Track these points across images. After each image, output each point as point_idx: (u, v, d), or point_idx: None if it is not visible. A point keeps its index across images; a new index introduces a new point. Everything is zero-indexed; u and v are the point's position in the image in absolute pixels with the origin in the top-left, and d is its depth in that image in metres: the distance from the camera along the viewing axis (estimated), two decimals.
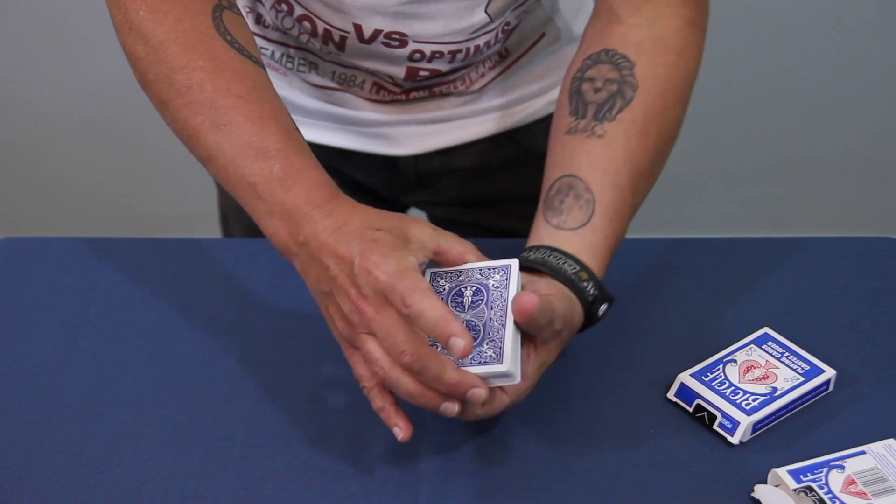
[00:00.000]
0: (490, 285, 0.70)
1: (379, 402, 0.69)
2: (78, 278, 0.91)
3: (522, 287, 0.71)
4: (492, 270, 0.70)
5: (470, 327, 0.68)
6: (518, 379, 0.68)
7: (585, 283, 0.72)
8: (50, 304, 0.89)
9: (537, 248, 0.75)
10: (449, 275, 0.71)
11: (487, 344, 0.67)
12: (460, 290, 0.70)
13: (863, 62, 1.88)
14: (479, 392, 0.66)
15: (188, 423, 0.78)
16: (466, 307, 0.69)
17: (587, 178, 0.76)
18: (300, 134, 0.75)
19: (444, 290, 0.71)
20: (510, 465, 0.74)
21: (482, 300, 0.69)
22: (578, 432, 0.77)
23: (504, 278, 0.70)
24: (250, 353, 0.84)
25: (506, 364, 0.66)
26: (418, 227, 0.70)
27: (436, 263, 0.72)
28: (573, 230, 0.75)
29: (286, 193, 0.71)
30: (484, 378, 0.66)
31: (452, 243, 0.72)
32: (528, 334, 0.70)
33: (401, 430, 0.69)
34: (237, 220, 1.14)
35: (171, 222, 2.01)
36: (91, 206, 2.07)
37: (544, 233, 0.76)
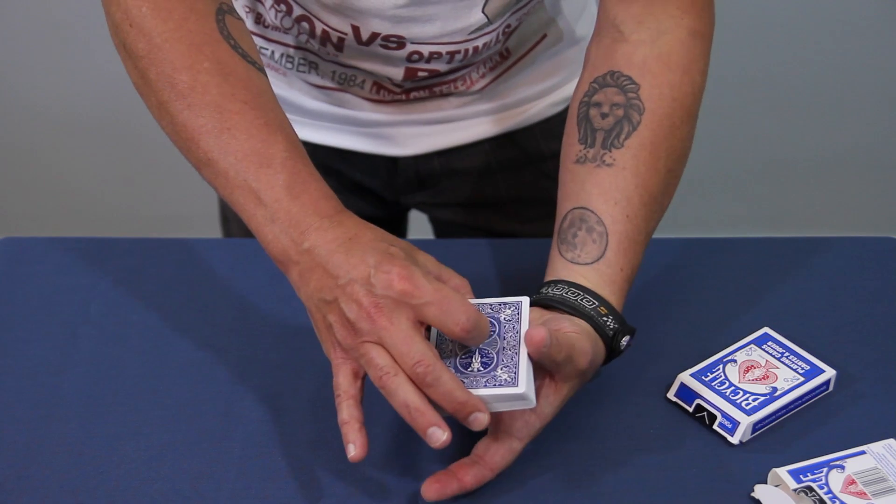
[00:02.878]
0: (502, 318, 0.71)
1: (347, 414, 0.67)
2: (78, 278, 0.91)
3: (545, 324, 0.72)
4: (503, 306, 0.72)
5: (483, 355, 0.69)
6: (534, 403, 0.68)
7: (605, 318, 0.73)
8: (50, 304, 0.89)
9: (555, 283, 0.75)
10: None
11: (502, 369, 0.68)
12: None
13: (862, 63, 1.88)
14: (483, 417, 0.65)
15: (188, 423, 0.78)
16: None
17: (598, 210, 0.76)
18: (302, 146, 0.74)
19: None
20: (510, 465, 0.74)
21: (494, 331, 0.70)
22: (578, 432, 0.77)
23: (515, 313, 0.71)
24: (250, 353, 0.84)
25: (521, 386, 0.67)
26: (423, 254, 0.71)
27: None
28: (588, 265, 0.75)
29: (293, 202, 0.70)
30: (498, 400, 0.67)
31: (452, 276, 0.72)
32: (549, 372, 0.70)
33: (355, 449, 0.67)
34: (238, 220, 1.14)
35: (171, 222, 2.01)
36: (91, 206, 2.07)
37: (560, 267, 0.76)
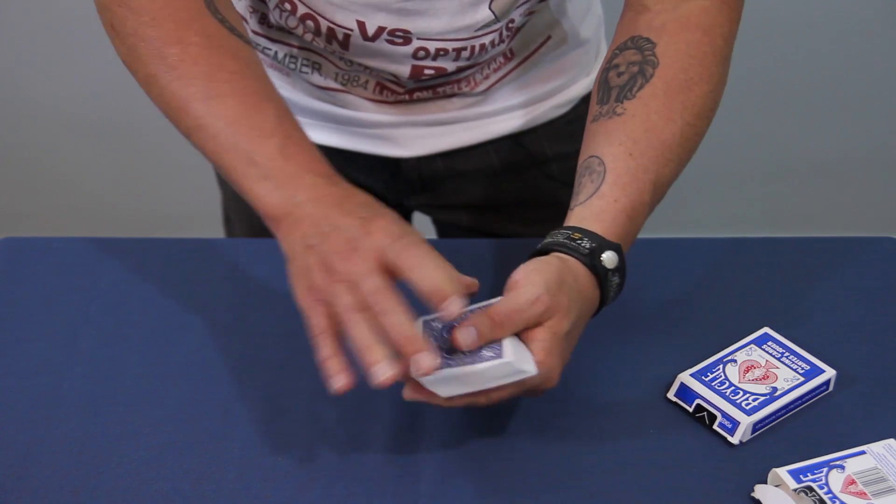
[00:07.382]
0: None
1: (329, 350, 0.68)
2: (78, 278, 0.91)
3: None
4: (482, 307, 0.72)
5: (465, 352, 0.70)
6: (533, 371, 0.68)
7: (579, 241, 0.71)
8: (50, 304, 0.89)
9: (550, 234, 0.74)
10: (440, 317, 0.71)
11: (486, 349, 0.69)
12: (451, 325, 0.71)
13: (863, 63, 1.88)
14: (426, 359, 0.65)
15: (188, 423, 0.78)
16: None
17: (601, 153, 0.75)
18: (292, 114, 0.77)
19: (437, 328, 0.72)
20: (510, 465, 0.74)
21: None
22: (578, 432, 0.77)
23: None
24: (250, 353, 0.84)
25: (507, 356, 0.67)
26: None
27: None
28: (581, 204, 0.74)
29: (286, 161, 0.72)
30: (491, 375, 0.68)
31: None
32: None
33: (344, 378, 0.67)
34: (240, 220, 1.14)
35: (172, 222, 2.01)
36: (91, 206, 2.07)
37: (564, 219, 0.76)
